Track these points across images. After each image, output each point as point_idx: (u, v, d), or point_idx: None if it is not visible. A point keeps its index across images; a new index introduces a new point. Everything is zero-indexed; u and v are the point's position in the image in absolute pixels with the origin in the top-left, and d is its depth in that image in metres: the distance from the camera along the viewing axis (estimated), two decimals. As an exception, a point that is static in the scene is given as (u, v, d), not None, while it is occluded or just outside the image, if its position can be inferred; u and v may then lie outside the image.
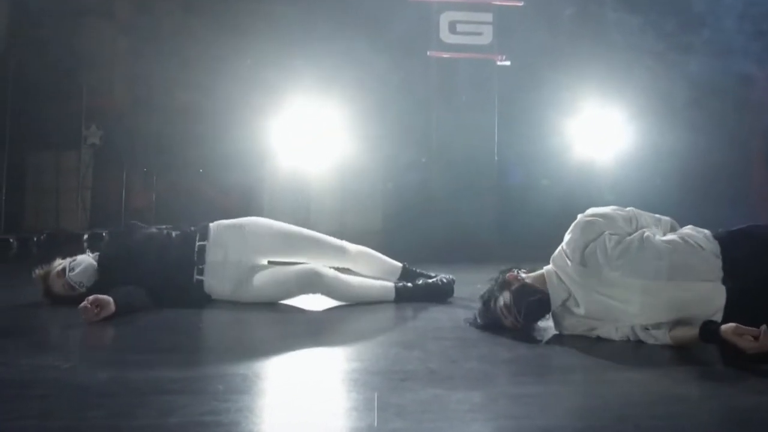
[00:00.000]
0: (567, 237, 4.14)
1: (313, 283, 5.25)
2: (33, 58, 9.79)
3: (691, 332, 3.76)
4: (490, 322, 4.29)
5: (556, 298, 4.14)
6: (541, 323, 4.30)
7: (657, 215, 4.29)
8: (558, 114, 10.04)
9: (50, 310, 5.15)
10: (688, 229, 4.16)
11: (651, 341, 3.91)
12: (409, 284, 5.59)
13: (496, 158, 9.90)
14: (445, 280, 5.66)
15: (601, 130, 10.11)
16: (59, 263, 5.19)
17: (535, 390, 3.18)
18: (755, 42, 9.07)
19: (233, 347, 4.07)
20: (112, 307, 4.59)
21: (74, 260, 5.18)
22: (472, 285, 5.22)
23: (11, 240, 9.44)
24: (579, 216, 4.19)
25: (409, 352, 3.91)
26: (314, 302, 5.35)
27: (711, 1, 8.83)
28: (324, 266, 5.41)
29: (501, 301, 4.20)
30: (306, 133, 9.74)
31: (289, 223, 5.71)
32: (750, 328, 3.48)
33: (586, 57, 9.59)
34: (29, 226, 10.28)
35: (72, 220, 10.49)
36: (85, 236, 9.77)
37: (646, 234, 4.00)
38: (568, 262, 4.08)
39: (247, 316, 4.91)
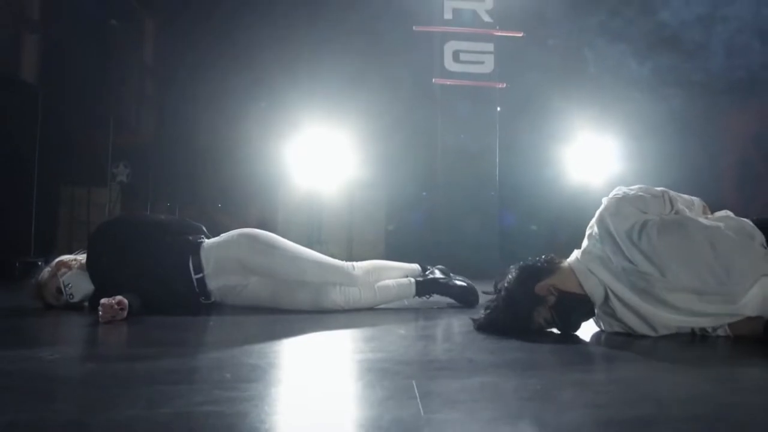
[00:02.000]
0: (600, 225, 3.23)
1: (330, 297, 4.38)
2: (62, 96, 9.27)
3: (753, 325, 3.00)
4: (512, 326, 3.29)
5: (597, 299, 3.23)
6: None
7: (688, 196, 3.43)
8: (554, 141, 9.54)
9: (57, 315, 4.28)
10: (723, 213, 3.40)
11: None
12: (432, 278, 4.71)
13: (497, 181, 9.29)
14: (468, 285, 4.76)
15: (594, 157, 9.56)
16: (49, 276, 4.37)
17: (592, 377, 2.50)
18: (738, 74, 8.51)
19: (245, 340, 3.21)
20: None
21: (69, 286, 4.28)
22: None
23: (40, 263, 8.77)
24: (605, 200, 3.29)
25: (438, 344, 3.21)
26: None
27: (700, 36, 8.29)
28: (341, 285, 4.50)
29: (540, 318, 3.24)
30: (318, 158, 9.16)
31: (303, 241, 4.83)
32: None
33: (582, 86, 9.04)
34: (62, 252, 9.63)
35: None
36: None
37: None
38: (607, 252, 3.18)
39: (261, 314, 4.12)
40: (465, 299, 4.67)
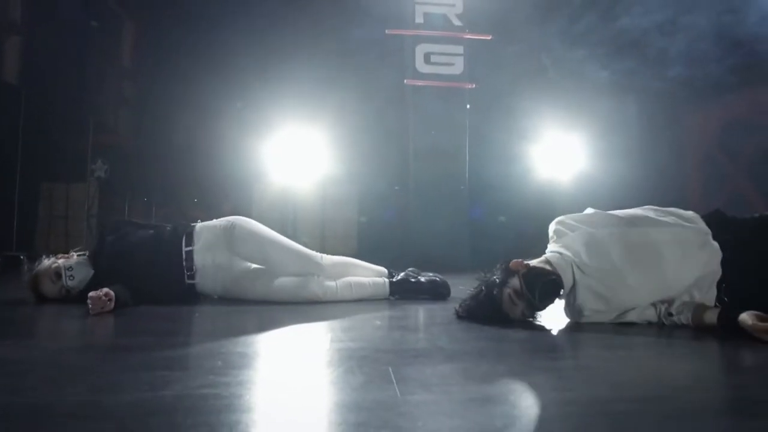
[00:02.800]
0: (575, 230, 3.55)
1: (309, 288, 4.59)
2: (44, 96, 9.47)
3: (712, 317, 3.21)
4: (489, 313, 3.51)
5: (567, 280, 3.45)
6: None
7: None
8: (522, 139, 9.78)
9: (48, 307, 4.42)
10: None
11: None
12: (403, 277, 4.92)
13: (467, 178, 9.49)
14: (440, 279, 4.96)
15: (560, 154, 9.83)
16: (50, 263, 4.49)
17: (552, 365, 2.64)
18: (697, 76, 8.73)
19: (230, 330, 3.40)
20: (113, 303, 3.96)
21: (70, 268, 4.46)
22: (453, 286, 4.86)
23: (22, 257, 8.90)
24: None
25: (413, 334, 3.36)
26: None
27: (660, 40, 8.49)
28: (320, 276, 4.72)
29: (509, 288, 3.44)
30: (292, 156, 9.32)
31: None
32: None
33: (548, 87, 9.23)
34: (41, 246, 9.74)
35: (78, 244, 9.92)
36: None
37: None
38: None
39: (243, 306, 4.30)
40: (436, 292, 4.86)
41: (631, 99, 9.44)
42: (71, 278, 4.41)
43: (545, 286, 3.39)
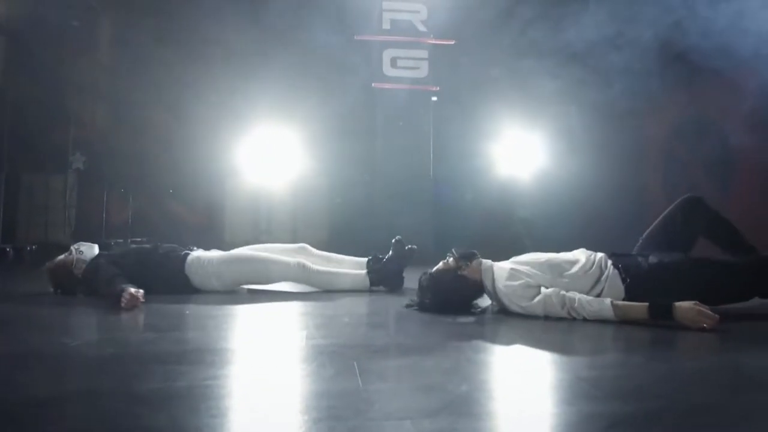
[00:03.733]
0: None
1: (297, 274, 5.54)
2: (26, 89, 9.66)
3: (637, 309, 3.83)
4: (433, 298, 4.39)
5: (488, 285, 4.36)
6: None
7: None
8: (484, 137, 10.17)
9: (48, 302, 5.14)
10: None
11: (594, 315, 3.92)
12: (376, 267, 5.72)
13: (431, 175, 9.87)
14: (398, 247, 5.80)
15: (520, 152, 10.27)
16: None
17: (494, 358, 3.20)
18: (653, 74, 9.16)
19: (221, 328, 3.98)
20: None
21: (79, 244, 5.49)
22: (415, 280, 5.29)
23: (8, 249, 9.27)
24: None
25: (376, 330, 4.00)
26: (287, 291, 5.59)
27: (617, 38, 8.90)
28: (306, 261, 5.61)
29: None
30: (266, 154, 9.73)
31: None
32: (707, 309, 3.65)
33: (508, 87, 9.60)
34: (21, 237, 10.07)
35: (58, 233, 10.28)
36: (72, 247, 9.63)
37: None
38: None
39: (229, 306, 4.81)
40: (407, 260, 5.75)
41: (582, 106, 9.81)
42: (81, 253, 5.30)
43: (437, 295, 4.34)
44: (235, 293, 5.45)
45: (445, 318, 4.15)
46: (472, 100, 10.10)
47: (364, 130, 10.32)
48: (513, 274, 4.19)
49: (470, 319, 4.15)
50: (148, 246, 5.72)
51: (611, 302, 3.87)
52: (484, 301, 4.47)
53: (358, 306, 4.90)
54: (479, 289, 4.38)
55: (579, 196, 9.83)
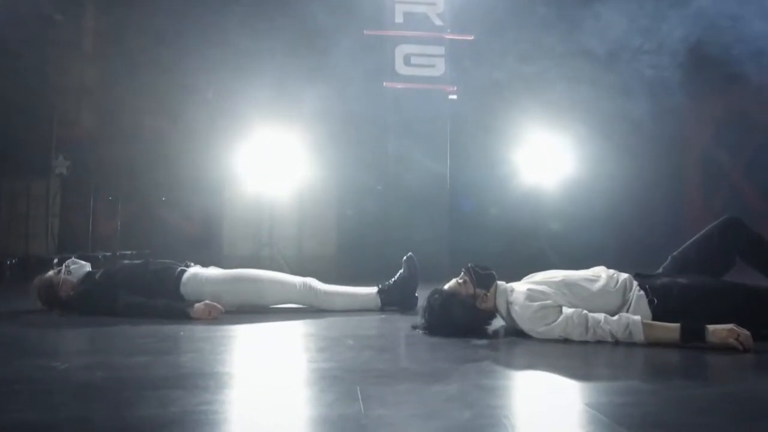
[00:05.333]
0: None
1: (303, 295, 5.78)
2: (4, 86, 9.76)
3: (669, 333, 4.01)
4: (441, 321, 4.55)
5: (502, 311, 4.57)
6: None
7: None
8: (506, 142, 10.29)
9: (33, 321, 5.44)
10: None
11: (625, 336, 4.09)
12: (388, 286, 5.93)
13: (448, 185, 10.00)
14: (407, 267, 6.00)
15: (546, 158, 10.28)
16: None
17: (503, 383, 3.38)
18: (690, 75, 9.30)
19: (217, 351, 4.16)
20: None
21: (70, 260, 5.83)
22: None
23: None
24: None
25: (380, 354, 4.10)
26: (289, 309, 5.78)
27: (648, 37, 9.04)
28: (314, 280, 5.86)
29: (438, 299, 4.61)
30: (268, 160, 9.77)
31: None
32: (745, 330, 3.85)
33: (532, 87, 9.69)
34: (0, 249, 10.28)
35: (39, 245, 10.48)
36: (55, 260, 9.77)
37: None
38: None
39: (226, 327, 5.02)
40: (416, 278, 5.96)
41: (626, 95, 9.82)
42: (69, 273, 5.62)
43: (448, 320, 4.51)
44: (233, 313, 5.60)
45: (454, 340, 4.32)
46: (492, 101, 10.22)
47: (374, 134, 10.36)
48: (529, 295, 4.34)
49: (482, 341, 4.33)
50: (138, 262, 5.90)
51: (642, 320, 4.05)
52: (497, 322, 4.67)
53: (364, 327, 5.08)
54: (493, 313, 4.60)
55: (609, 206, 9.94)
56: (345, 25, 9.82)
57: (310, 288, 5.76)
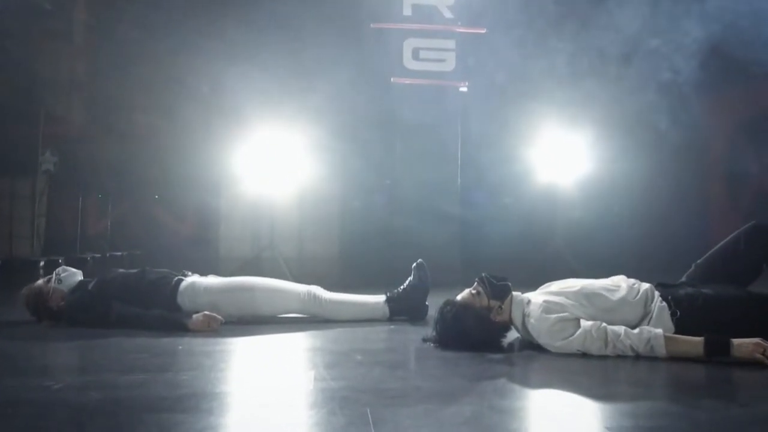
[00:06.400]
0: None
1: (306, 305, 5.76)
2: None
3: (692, 348, 4.04)
4: (454, 334, 4.57)
5: (517, 323, 4.57)
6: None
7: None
8: (519, 140, 10.23)
9: (19, 333, 5.43)
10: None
11: (646, 351, 4.11)
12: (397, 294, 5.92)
13: (459, 184, 9.98)
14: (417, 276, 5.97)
15: (562, 156, 10.20)
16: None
17: (521, 404, 3.40)
18: (711, 73, 9.32)
19: (218, 368, 4.17)
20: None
21: (61, 269, 5.82)
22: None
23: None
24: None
25: (392, 371, 4.09)
26: (293, 319, 5.80)
27: (669, 31, 9.04)
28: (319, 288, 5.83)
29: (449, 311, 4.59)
30: (268, 158, 9.71)
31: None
32: None
33: (547, 83, 9.68)
34: None
35: (24, 247, 10.44)
36: (41, 263, 9.79)
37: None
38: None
39: (227, 340, 5.02)
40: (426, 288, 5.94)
41: (638, 99, 9.82)
42: (59, 282, 5.61)
43: (461, 334, 4.53)
44: (233, 324, 5.61)
45: (468, 355, 4.34)
46: (505, 97, 10.18)
47: (381, 131, 10.34)
48: (546, 307, 4.36)
49: (497, 356, 4.35)
50: (134, 272, 5.87)
51: (663, 334, 4.07)
52: (512, 334, 4.69)
53: (373, 340, 5.10)
54: (508, 326, 4.61)
55: (629, 207, 9.96)
56: (351, 18, 9.90)
57: (315, 297, 5.74)
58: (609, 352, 4.15)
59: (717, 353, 3.94)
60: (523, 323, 4.49)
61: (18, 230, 10.56)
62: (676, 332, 4.16)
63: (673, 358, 4.02)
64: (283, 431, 2.91)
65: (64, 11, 11.01)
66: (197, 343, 4.84)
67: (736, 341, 3.90)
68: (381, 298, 5.88)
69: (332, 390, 3.51)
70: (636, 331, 4.15)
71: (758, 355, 3.83)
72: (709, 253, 4.78)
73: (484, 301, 4.53)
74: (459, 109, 10.19)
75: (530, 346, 4.52)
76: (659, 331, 4.10)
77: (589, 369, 3.99)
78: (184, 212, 11.06)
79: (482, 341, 4.51)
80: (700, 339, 3.99)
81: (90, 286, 5.61)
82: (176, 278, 5.73)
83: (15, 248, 10.44)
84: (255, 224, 10.24)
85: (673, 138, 9.94)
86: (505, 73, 10.05)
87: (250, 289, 5.73)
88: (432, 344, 4.60)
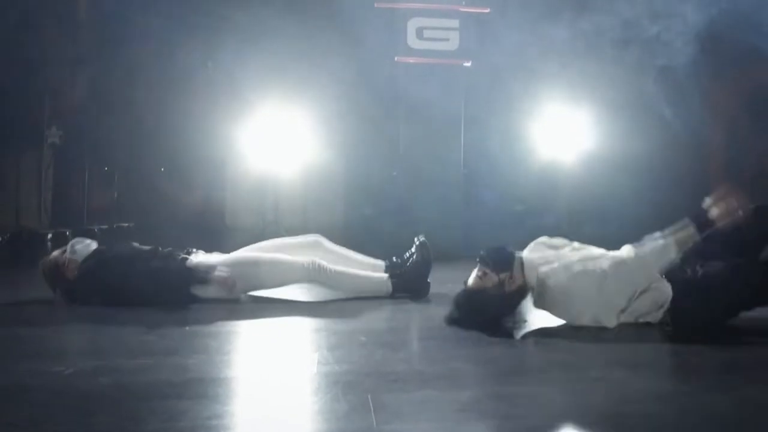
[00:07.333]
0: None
1: (311, 275, 5.79)
2: None
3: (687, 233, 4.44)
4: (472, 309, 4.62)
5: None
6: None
7: None
8: (522, 117, 10.31)
9: (35, 313, 5.48)
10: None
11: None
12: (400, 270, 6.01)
13: (462, 161, 10.11)
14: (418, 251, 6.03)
15: (564, 133, 10.32)
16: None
17: (520, 390, 3.41)
18: (715, 51, 9.35)
19: (224, 351, 4.24)
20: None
21: (75, 240, 5.88)
22: (443, 284, 5.68)
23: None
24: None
25: (394, 353, 4.15)
26: (296, 302, 5.82)
27: (677, 8, 9.04)
28: (321, 259, 5.87)
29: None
30: (272, 135, 9.82)
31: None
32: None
33: (551, 62, 9.69)
34: None
35: (32, 220, 10.54)
36: (49, 236, 9.87)
37: None
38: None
39: (233, 322, 5.05)
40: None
41: (643, 73, 9.83)
42: (74, 252, 5.67)
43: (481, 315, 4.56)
44: (238, 303, 5.72)
45: (470, 335, 4.42)
46: (508, 75, 10.13)
47: (385, 109, 10.35)
48: (566, 265, 4.50)
49: (497, 338, 4.38)
50: (147, 249, 5.93)
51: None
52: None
53: (376, 320, 5.17)
54: (525, 289, 4.64)
55: (632, 185, 9.97)
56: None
57: (319, 267, 5.78)
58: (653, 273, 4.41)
59: (701, 222, 4.38)
60: (544, 288, 4.55)
61: (25, 204, 10.62)
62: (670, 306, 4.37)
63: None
64: (286, 420, 2.95)
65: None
66: (204, 324, 4.89)
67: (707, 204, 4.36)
68: (384, 275, 5.95)
69: (336, 374, 3.57)
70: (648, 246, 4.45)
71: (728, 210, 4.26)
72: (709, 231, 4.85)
73: (493, 278, 4.56)
74: (462, 87, 10.23)
75: (531, 329, 4.62)
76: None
77: (594, 353, 4.08)
78: (189, 183, 11.07)
79: (504, 314, 4.61)
80: (690, 227, 4.47)
81: (103, 255, 5.68)
82: (181, 257, 5.80)
83: (22, 221, 10.49)
84: (260, 199, 10.29)
85: (674, 118, 9.96)
86: (507, 52, 9.90)
87: (254, 264, 5.80)
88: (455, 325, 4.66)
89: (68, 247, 5.76)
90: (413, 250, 6.00)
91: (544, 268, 4.54)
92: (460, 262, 5.01)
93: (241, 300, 5.81)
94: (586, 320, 4.45)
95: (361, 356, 4.00)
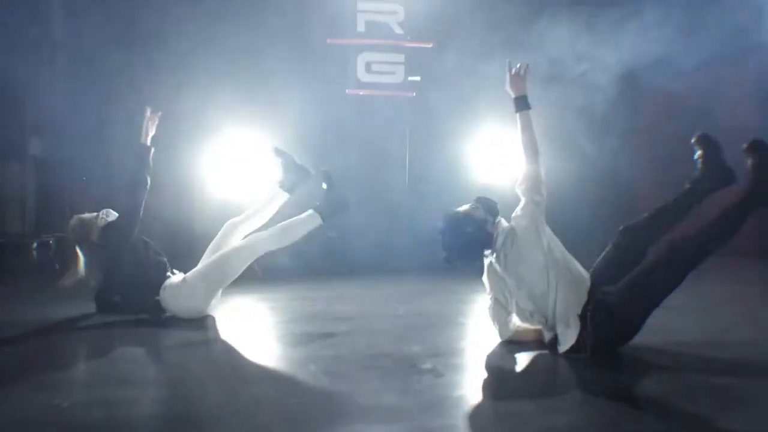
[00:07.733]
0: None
1: (255, 249, 6.50)
2: None
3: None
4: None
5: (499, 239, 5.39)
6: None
7: None
8: (461, 143, 11.00)
9: (23, 331, 5.92)
10: None
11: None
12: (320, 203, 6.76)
13: (407, 182, 10.92)
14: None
15: (498, 159, 10.85)
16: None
17: (447, 423, 3.66)
18: (646, 70, 9.95)
19: (213, 379, 4.59)
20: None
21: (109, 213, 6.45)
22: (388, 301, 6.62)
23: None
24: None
25: (335, 384, 4.36)
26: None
27: (607, 36, 9.58)
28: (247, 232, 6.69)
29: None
30: (233, 163, 10.18)
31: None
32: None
33: (488, 89, 10.22)
34: None
35: (15, 228, 11.14)
36: (34, 244, 10.43)
37: None
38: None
39: (212, 346, 5.65)
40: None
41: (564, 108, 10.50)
42: (106, 216, 6.37)
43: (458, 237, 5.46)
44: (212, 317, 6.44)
45: (399, 366, 4.76)
46: (450, 103, 10.87)
47: (337, 138, 11.00)
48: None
49: (426, 365, 4.75)
50: (146, 240, 6.63)
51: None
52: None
53: (326, 348, 5.51)
54: (493, 240, 5.42)
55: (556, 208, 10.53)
56: (309, 33, 10.69)
57: (268, 237, 6.55)
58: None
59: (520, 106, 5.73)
60: (504, 243, 5.34)
61: (7, 212, 11.14)
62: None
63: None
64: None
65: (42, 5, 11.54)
66: (183, 347, 5.44)
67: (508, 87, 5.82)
68: (308, 211, 6.72)
69: (287, 402, 3.87)
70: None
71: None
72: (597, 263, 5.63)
73: (481, 214, 5.47)
74: (407, 116, 11.04)
75: (458, 354, 5.31)
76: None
77: (521, 383, 4.52)
78: (160, 198, 11.38)
79: (480, 246, 5.43)
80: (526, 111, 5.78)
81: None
82: (167, 272, 6.53)
83: (6, 229, 11.02)
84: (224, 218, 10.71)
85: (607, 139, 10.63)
86: (450, 82, 10.77)
87: (224, 262, 6.46)
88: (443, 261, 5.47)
89: (100, 213, 6.44)
90: (322, 182, 6.84)
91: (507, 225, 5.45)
92: (404, 276, 5.45)
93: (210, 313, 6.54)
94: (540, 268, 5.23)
95: (309, 388, 4.27)
